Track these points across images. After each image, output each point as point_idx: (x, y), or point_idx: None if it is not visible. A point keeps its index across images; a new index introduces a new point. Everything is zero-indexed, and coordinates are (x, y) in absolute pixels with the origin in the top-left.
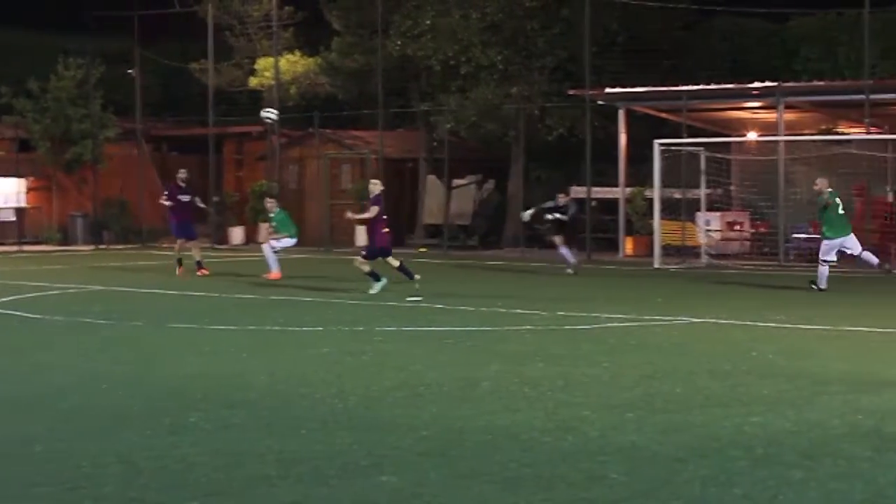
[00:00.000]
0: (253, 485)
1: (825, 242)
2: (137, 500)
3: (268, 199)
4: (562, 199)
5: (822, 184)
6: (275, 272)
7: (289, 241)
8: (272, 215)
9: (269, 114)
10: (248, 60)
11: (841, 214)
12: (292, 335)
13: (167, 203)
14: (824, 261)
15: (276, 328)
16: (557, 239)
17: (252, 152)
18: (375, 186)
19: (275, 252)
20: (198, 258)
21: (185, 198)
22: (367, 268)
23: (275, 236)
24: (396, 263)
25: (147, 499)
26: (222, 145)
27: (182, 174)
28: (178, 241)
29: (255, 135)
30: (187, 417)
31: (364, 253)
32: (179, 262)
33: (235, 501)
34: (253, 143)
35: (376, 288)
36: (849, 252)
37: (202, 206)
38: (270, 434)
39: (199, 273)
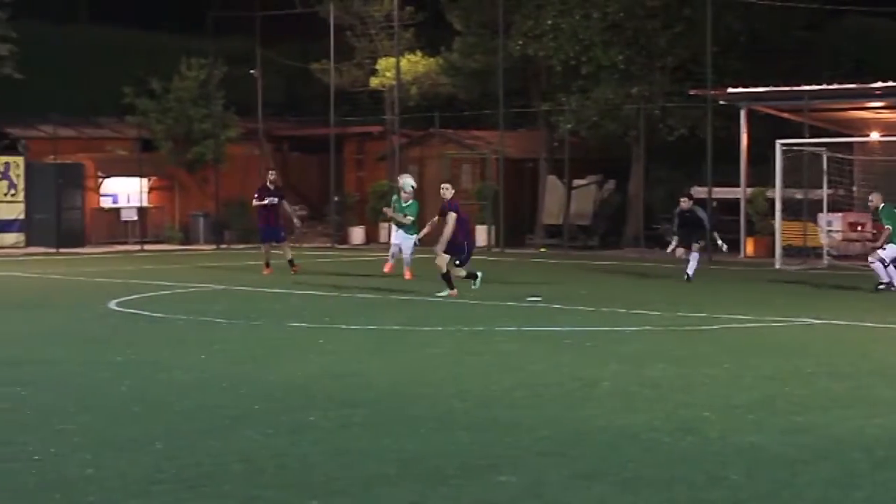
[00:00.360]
0: (372, 484)
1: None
2: (257, 499)
3: (403, 185)
4: (685, 204)
5: (876, 199)
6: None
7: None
8: (406, 205)
9: (408, 181)
10: (370, 60)
11: None
12: (413, 335)
13: (258, 203)
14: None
15: (397, 327)
16: (695, 246)
17: (373, 152)
18: (448, 191)
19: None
20: (289, 257)
21: (272, 199)
22: (462, 273)
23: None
24: (445, 270)
25: (267, 497)
26: (343, 145)
27: (271, 175)
28: (264, 246)
29: (375, 135)
30: (307, 416)
31: (457, 262)
32: (267, 263)
33: (355, 500)
34: (374, 143)
35: (477, 283)
36: None
37: (289, 209)
38: (390, 433)
39: (292, 271)
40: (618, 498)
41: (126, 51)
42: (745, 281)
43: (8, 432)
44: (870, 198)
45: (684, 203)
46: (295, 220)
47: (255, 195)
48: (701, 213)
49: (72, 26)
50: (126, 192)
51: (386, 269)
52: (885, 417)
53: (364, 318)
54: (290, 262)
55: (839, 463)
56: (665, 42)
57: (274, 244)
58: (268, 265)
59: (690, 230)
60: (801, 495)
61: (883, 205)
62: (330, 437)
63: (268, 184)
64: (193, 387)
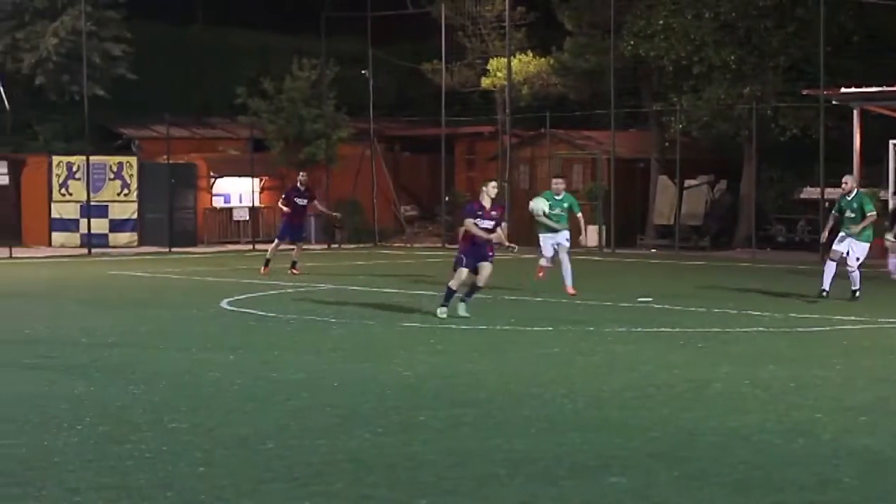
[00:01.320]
0: (482, 484)
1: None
2: (368, 498)
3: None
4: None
5: (851, 182)
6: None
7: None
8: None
9: (541, 206)
10: (481, 61)
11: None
12: (523, 335)
13: (284, 207)
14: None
15: (507, 327)
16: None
17: (483, 152)
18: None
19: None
20: (295, 258)
21: (301, 201)
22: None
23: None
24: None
25: (377, 496)
26: (454, 145)
27: (302, 177)
28: (276, 241)
29: (486, 135)
30: (418, 416)
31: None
32: (294, 263)
33: (465, 500)
34: (484, 144)
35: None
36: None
37: (322, 209)
38: (500, 433)
39: (290, 272)
40: (728, 499)
41: (239, 51)
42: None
43: (121, 431)
44: (844, 180)
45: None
46: (334, 215)
47: (283, 197)
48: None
49: (185, 27)
50: (238, 192)
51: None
52: None
53: (476, 318)
54: (294, 263)
55: None
56: (777, 42)
57: (293, 242)
58: (267, 263)
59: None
60: None
61: (857, 190)
62: (440, 436)
63: (298, 185)
64: (304, 386)
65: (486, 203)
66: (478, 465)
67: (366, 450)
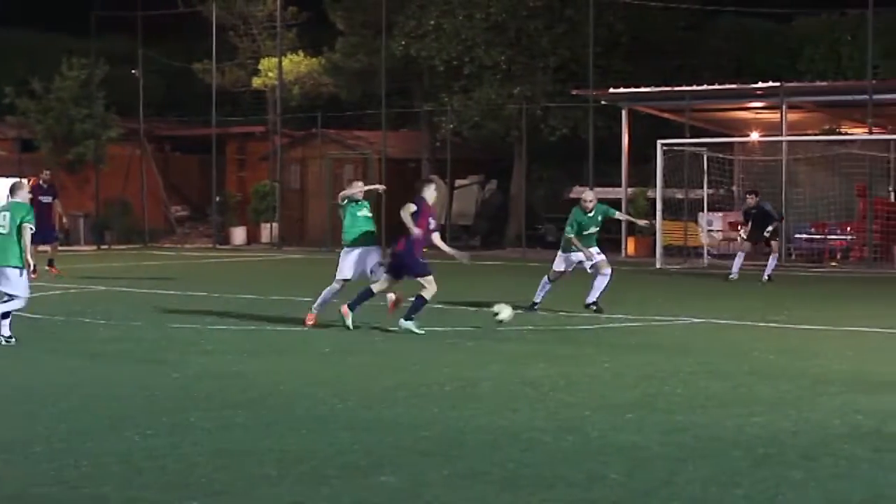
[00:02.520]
0: (253, 484)
1: None
2: (137, 500)
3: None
4: (751, 200)
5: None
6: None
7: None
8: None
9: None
10: (252, 60)
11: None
12: (294, 335)
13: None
14: None
15: (279, 328)
16: (774, 244)
17: (255, 153)
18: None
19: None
20: (51, 256)
21: (45, 198)
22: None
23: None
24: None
25: (147, 498)
26: (225, 145)
27: (45, 174)
28: (48, 245)
29: (257, 135)
30: (188, 417)
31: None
32: (50, 262)
33: (236, 501)
34: (256, 144)
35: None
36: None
37: (61, 211)
38: (271, 434)
39: (50, 271)
40: (498, 497)
41: (6, 50)
42: (626, 280)
43: None
44: (588, 197)
45: (751, 199)
46: (65, 220)
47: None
48: (768, 207)
49: None
50: (5, 192)
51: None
52: (764, 416)
53: (241, 319)
54: (51, 261)
55: (718, 461)
56: (547, 42)
57: (45, 243)
58: (51, 264)
59: (760, 226)
60: (681, 494)
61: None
62: (210, 437)
63: (41, 182)
64: (72, 388)
65: (430, 201)
66: (249, 465)
67: (135, 452)
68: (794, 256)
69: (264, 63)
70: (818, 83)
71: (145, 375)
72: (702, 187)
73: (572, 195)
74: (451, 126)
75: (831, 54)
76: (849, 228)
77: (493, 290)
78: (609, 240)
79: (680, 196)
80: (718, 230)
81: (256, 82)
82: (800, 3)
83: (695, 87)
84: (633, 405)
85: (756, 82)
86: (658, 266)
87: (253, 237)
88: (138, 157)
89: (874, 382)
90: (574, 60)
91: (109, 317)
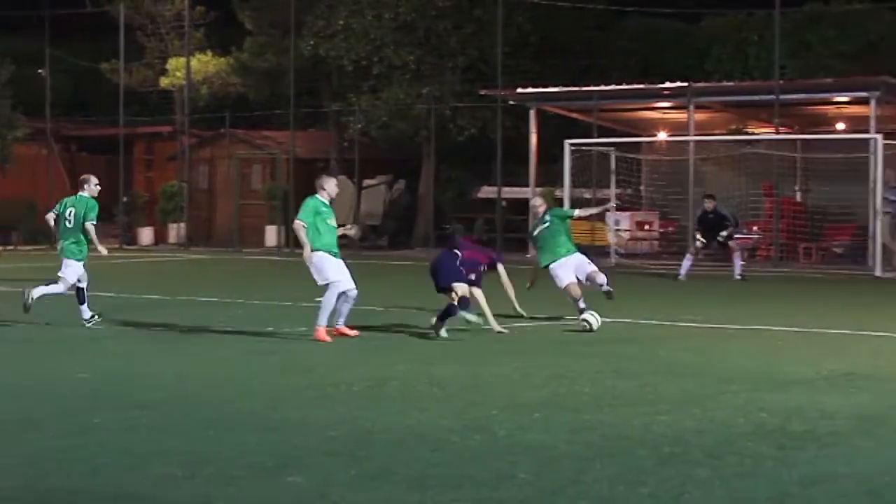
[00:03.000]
0: (159, 485)
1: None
2: (43, 502)
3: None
4: (709, 205)
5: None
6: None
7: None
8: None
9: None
10: (160, 60)
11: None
12: (201, 336)
13: None
14: None
15: (186, 330)
16: (734, 244)
17: (163, 153)
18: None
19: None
20: None
21: None
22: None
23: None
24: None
25: (54, 500)
26: (132, 145)
27: None
28: None
29: (165, 135)
30: (94, 419)
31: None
32: None
33: (142, 502)
34: (164, 144)
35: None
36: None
37: None
38: (177, 434)
39: None
40: (405, 497)
41: None
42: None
43: None
44: (536, 203)
45: (708, 204)
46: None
47: None
48: (724, 211)
49: None
50: None
51: None
52: (670, 415)
53: (148, 320)
54: None
55: (625, 460)
56: (456, 42)
57: None
58: None
59: (714, 230)
60: (588, 492)
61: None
62: (117, 438)
63: None
64: None
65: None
66: (155, 466)
67: (41, 453)
68: (701, 256)
69: (172, 63)
70: (725, 83)
71: (52, 376)
72: (609, 187)
73: (480, 195)
74: (360, 126)
75: (738, 54)
76: (755, 228)
77: (401, 291)
78: (516, 239)
79: (588, 195)
80: (626, 230)
81: (164, 82)
82: (707, 4)
83: (603, 87)
84: (540, 404)
85: (664, 82)
86: None
87: (160, 237)
88: (45, 157)
89: (779, 381)
90: (483, 60)
91: (16, 318)
